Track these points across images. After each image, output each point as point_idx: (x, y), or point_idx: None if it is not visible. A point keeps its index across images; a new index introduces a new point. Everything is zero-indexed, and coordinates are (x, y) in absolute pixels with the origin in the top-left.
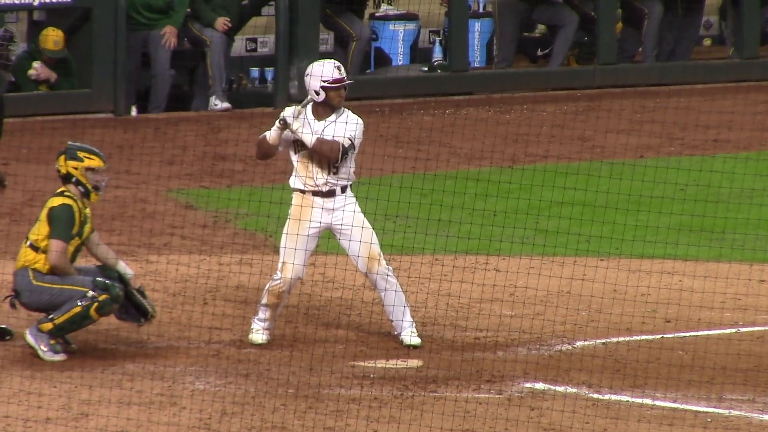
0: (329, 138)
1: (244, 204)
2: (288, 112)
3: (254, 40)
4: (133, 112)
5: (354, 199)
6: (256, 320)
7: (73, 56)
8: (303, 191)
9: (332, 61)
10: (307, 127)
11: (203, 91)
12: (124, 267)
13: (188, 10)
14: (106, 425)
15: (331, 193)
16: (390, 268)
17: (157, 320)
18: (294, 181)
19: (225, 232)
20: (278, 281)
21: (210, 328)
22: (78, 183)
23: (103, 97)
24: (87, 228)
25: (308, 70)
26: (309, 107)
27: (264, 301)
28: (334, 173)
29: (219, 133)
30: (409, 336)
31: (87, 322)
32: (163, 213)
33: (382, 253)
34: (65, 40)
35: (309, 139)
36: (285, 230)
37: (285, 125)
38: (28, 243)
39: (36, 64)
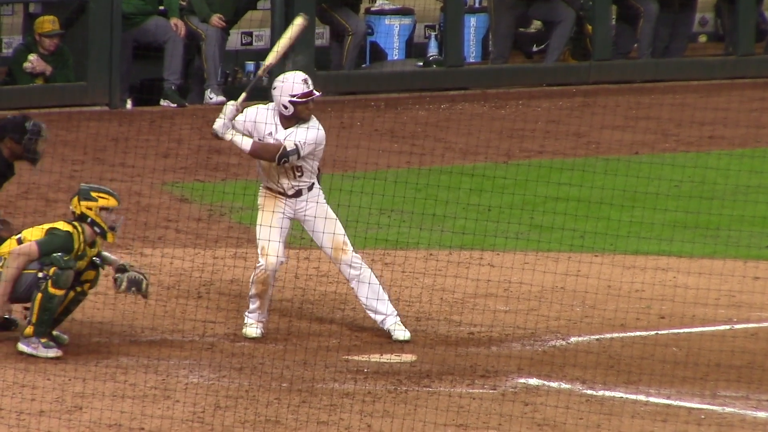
0: (271, 141)
1: (239, 198)
2: (218, 124)
3: (250, 34)
4: (128, 105)
5: (319, 191)
6: (248, 314)
7: (69, 49)
8: (269, 189)
9: (300, 73)
10: (243, 134)
11: (198, 84)
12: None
13: (183, 3)
14: (100, 418)
15: (298, 194)
16: (358, 256)
17: (152, 313)
18: (260, 176)
19: (219, 225)
20: (261, 267)
21: (204, 321)
22: (93, 224)
23: (98, 89)
24: (80, 264)
25: (275, 83)
26: (278, 116)
27: (252, 291)
28: (299, 176)
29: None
30: (402, 332)
31: (55, 300)
32: (158, 206)
33: (348, 242)
34: (60, 26)
35: (247, 147)
36: (258, 219)
37: (218, 137)
38: (17, 237)
39: (32, 57)
